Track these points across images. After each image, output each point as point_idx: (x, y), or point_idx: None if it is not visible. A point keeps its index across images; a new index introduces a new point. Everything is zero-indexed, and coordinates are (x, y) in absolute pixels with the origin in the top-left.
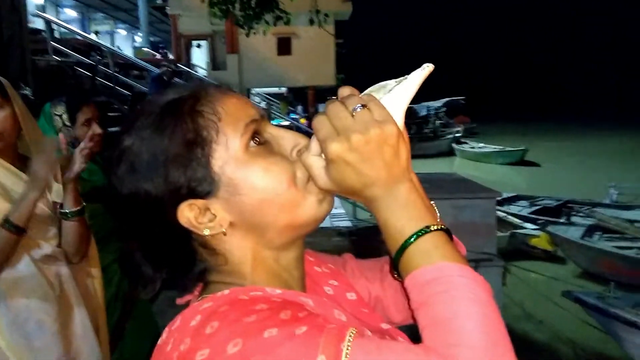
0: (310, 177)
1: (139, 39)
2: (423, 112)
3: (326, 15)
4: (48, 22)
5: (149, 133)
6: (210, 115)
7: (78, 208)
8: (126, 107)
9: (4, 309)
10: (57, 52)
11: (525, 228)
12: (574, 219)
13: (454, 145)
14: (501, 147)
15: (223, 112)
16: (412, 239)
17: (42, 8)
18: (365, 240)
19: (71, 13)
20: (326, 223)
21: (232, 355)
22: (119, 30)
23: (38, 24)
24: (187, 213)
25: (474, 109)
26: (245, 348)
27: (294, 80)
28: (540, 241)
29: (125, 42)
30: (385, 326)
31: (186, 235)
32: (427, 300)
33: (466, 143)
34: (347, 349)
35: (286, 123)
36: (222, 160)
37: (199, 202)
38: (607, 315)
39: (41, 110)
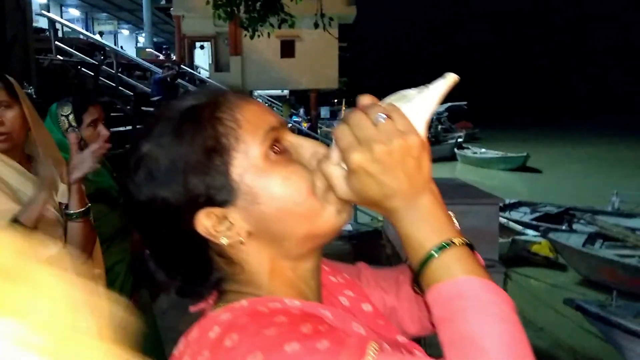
0: (329, 187)
1: (142, 39)
2: None
3: (331, 18)
4: (52, 22)
5: (167, 139)
6: (230, 123)
7: (83, 209)
8: (129, 107)
9: None
10: (61, 51)
11: (526, 234)
12: (575, 226)
13: (455, 150)
14: (503, 152)
15: (243, 119)
16: (434, 253)
17: (46, 7)
18: (366, 244)
19: (75, 12)
20: None
21: None
22: (122, 31)
23: (42, 23)
24: (205, 221)
25: (476, 114)
26: None
27: (297, 83)
28: (542, 248)
29: (129, 42)
30: (401, 339)
31: (203, 244)
32: (451, 316)
33: (468, 148)
34: None
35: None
36: (241, 169)
37: (217, 211)
38: (609, 324)
39: (45, 109)
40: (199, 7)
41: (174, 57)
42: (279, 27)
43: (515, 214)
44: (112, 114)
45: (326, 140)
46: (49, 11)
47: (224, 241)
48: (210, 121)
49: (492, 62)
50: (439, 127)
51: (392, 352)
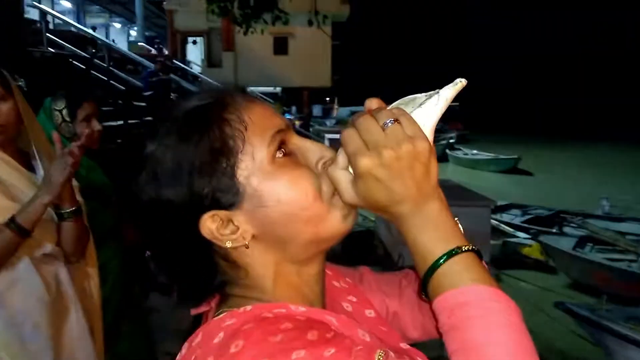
0: (335, 191)
1: (134, 33)
2: None
3: (325, 16)
4: (43, 13)
5: (173, 140)
6: (237, 124)
7: (74, 208)
8: (120, 101)
9: (1, 310)
10: (52, 43)
11: (517, 237)
12: (566, 229)
13: (447, 151)
14: (494, 154)
15: (250, 121)
16: (442, 260)
17: None
18: (358, 245)
19: (66, 4)
20: None
21: None
22: (114, 24)
23: (33, 14)
24: (210, 224)
25: (468, 115)
26: None
27: (290, 81)
28: (532, 251)
29: (120, 35)
30: (404, 346)
31: (207, 247)
32: (458, 324)
33: (460, 150)
34: None
35: None
36: (247, 171)
37: (222, 214)
38: (599, 327)
39: (36, 102)
40: (192, 1)
41: (165, 52)
42: (273, 24)
43: (506, 216)
44: (103, 109)
45: (318, 139)
46: (40, 2)
47: (228, 244)
48: (217, 122)
49: (486, 64)
50: None
51: None
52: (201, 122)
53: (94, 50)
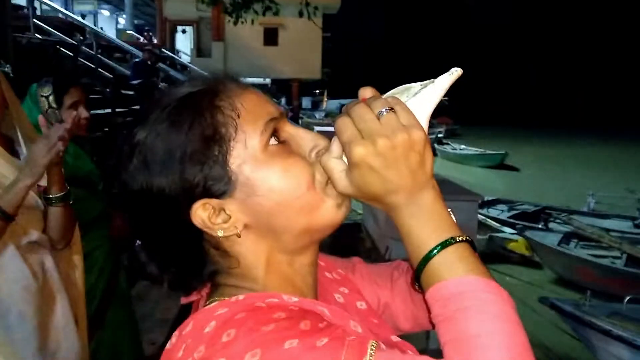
0: (329, 180)
1: (122, 21)
2: None
3: (315, 8)
4: None
5: (164, 127)
6: (229, 112)
7: (63, 193)
8: (108, 89)
9: None
10: (39, 30)
11: (503, 232)
12: (551, 225)
13: (435, 145)
14: (482, 150)
15: (242, 108)
16: (436, 251)
17: None
18: (345, 237)
19: None
20: None
21: None
22: (102, 11)
23: (20, 0)
24: (201, 213)
25: (457, 110)
26: (264, 358)
27: (279, 72)
28: (518, 246)
29: (109, 23)
30: (395, 338)
31: (198, 236)
32: (452, 315)
33: (448, 144)
34: None
35: None
36: (240, 159)
37: (214, 202)
38: (582, 323)
39: (23, 89)
40: None
41: (155, 40)
42: (263, 15)
43: (492, 211)
44: (91, 96)
45: None
46: None
47: (220, 233)
48: (209, 109)
49: (475, 59)
50: None
51: (391, 351)
52: (193, 109)
53: (81, 38)
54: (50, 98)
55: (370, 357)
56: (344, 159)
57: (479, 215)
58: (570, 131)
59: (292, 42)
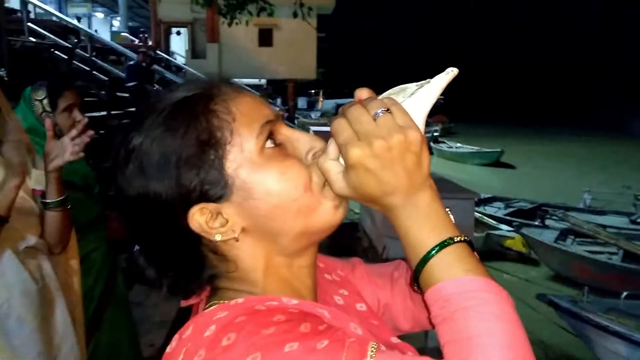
0: (326, 182)
1: (117, 23)
2: None
3: (310, 8)
4: (24, 2)
5: (160, 132)
6: (225, 115)
7: (61, 198)
8: (103, 92)
9: None
10: (33, 33)
11: (500, 229)
12: (548, 222)
13: (431, 144)
14: (478, 147)
15: (237, 112)
16: (434, 251)
17: None
18: (343, 237)
19: None
20: None
21: None
22: (96, 14)
23: (14, 3)
24: (198, 217)
25: (453, 108)
26: None
27: (274, 73)
28: (515, 243)
29: (103, 26)
30: (394, 340)
31: (195, 240)
32: (451, 315)
33: (444, 142)
34: None
35: None
36: (236, 163)
37: (211, 206)
38: (580, 319)
39: (17, 92)
40: None
41: (150, 42)
42: (258, 15)
43: (489, 209)
44: (86, 99)
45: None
46: None
47: (218, 238)
48: (204, 114)
49: (471, 57)
50: None
51: (392, 353)
52: (188, 114)
53: (76, 40)
54: (44, 102)
55: (371, 359)
56: (341, 160)
57: (475, 213)
58: (565, 128)
59: (287, 43)
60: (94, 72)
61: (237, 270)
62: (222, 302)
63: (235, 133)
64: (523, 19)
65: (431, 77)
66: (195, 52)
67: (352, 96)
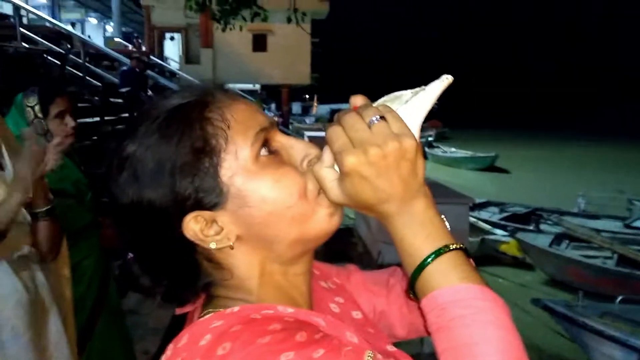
0: (321, 190)
1: (110, 28)
2: None
3: (304, 13)
4: (17, 8)
5: (154, 140)
6: (220, 123)
7: (49, 207)
8: (96, 98)
9: None
10: (26, 39)
11: (495, 234)
12: (542, 226)
13: (426, 148)
14: (472, 152)
15: (232, 119)
16: (430, 259)
17: None
18: (337, 242)
19: None
20: None
21: None
22: (89, 19)
23: (6, 8)
24: (193, 225)
25: (447, 113)
26: None
27: (269, 78)
28: (510, 248)
29: (96, 31)
30: (390, 348)
31: (190, 248)
32: (447, 324)
33: (438, 147)
34: None
35: None
36: (231, 171)
37: (206, 214)
38: (575, 323)
39: (9, 98)
40: None
41: (143, 48)
42: (252, 21)
43: (484, 214)
44: (79, 105)
45: (298, 137)
46: None
47: (212, 246)
48: (198, 121)
49: (470, 58)
50: None
51: None
52: (182, 121)
53: (69, 46)
54: (36, 108)
55: None
56: (336, 168)
57: (470, 218)
58: (564, 131)
59: (281, 48)
60: (87, 77)
61: (232, 278)
62: (217, 310)
63: (230, 141)
64: (523, 19)
65: (425, 83)
66: (189, 57)
67: (346, 101)
